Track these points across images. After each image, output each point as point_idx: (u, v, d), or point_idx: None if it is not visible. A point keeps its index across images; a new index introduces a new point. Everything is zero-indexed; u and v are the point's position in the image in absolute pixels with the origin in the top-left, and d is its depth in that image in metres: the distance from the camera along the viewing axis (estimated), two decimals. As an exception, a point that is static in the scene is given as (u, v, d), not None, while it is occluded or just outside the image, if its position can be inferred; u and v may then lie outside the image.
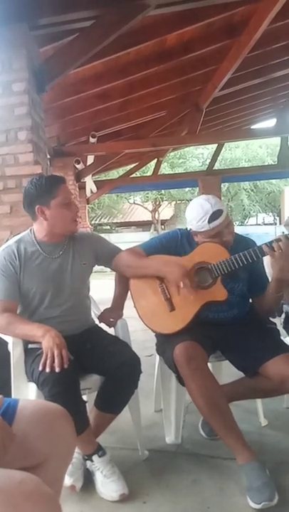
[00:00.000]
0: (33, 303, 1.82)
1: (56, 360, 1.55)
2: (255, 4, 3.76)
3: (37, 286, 1.80)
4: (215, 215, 1.80)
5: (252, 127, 9.07)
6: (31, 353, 1.70)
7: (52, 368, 1.55)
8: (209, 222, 1.80)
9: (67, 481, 1.68)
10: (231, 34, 4.35)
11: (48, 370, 1.55)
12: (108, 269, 2.03)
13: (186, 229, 1.98)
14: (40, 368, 1.56)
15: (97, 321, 2.03)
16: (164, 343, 1.85)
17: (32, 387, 1.67)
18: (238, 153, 17.81)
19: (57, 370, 1.54)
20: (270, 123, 9.22)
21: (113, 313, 2.00)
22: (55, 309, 1.82)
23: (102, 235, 2.20)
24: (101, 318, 2.01)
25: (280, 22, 4.18)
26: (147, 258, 1.90)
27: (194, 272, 1.85)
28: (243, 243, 1.95)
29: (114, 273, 2.08)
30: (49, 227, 1.80)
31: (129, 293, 2.01)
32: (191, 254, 1.89)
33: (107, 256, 1.98)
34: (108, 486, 1.66)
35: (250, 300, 2.01)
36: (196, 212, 1.84)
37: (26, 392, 1.69)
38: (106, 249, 1.99)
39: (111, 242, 2.08)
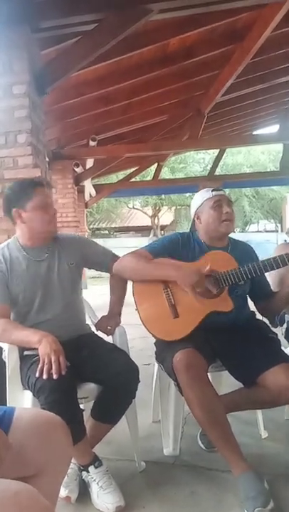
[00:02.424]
0: (24, 308, 1.80)
1: (53, 367, 1.53)
2: (259, 10, 3.77)
3: (25, 291, 1.79)
4: (217, 189, 1.97)
5: (254, 133, 9.08)
6: (27, 360, 1.68)
7: (49, 374, 1.52)
8: (212, 191, 1.94)
9: (62, 492, 1.65)
10: (234, 39, 4.36)
11: (45, 376, 1.52)
12: (104, 275, 2.01)
13: (187, 232, 2.00)
14: (37, 375, 1.54)
15: (94, 329, 1.99)
16: (164, 350, 1.82)
17: (28, 395, 1.64)
18: (239, 158, 17.85)
19: (54, 376, 1.51)
20: (272, 129, 9.23)
21: (110, 321, 1.96)
22: (47, 313, 1.81)
23: (100, 240, 2.19)
24: (98, 326, 1.97)
25: (283, 28, 4.20)
26: (156, 262, 1.87)
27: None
28: (240, 245, 1.99)
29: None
30: (29, 230, 1.81)
31: (128, 298, 1.98)
32: (198, 261, 1.86)
33: (99, 259, 1.97)
34: (104, 497, 1.62)
35: (251, 305, 2.00)
36: (201, 192, 1.99)
37: (22, 400, 1.66)
38: (95, 251, 1.98)
39: (109, 247, 2.07)
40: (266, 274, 1.95)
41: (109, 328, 1.95)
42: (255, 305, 2.01)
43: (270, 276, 2.02)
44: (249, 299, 2.01)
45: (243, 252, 1.96)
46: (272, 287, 1.99)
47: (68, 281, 1.86)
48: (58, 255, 1.87)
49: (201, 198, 1.96)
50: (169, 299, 1.83)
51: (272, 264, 1.76)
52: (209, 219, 1.91)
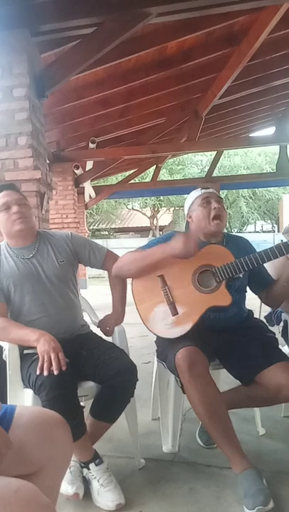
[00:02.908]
0: (16, 306, 1.84)
1: (54, 364, 1.55)
2: (256, 14, 3.81)
3: (15, 289, 1.83)
4: (206, 187, 2.03)
5: (251, 135, 9.12)
6: (27, 358, 1.69)
7: (49, 371, 1.54)
8: (201, 189, 1.99)
9: (70, 489, 1.66)
10: (231, 43, 4.40)
11: (45, 373, 1.54)
12: (105, 275, 2.02)
13: (182, 231, 2.01)
14: (38, 372, 1.55)
15: (93, 328, 2.01)
16: (166, 348, 1.83)
17: (28, 393, 1.66)
18: (236, 160, 17.90)
19: (55, 372, 1.53)
20: (269, 131, 9.27)
21: (108, 322, 1.99)
22: (37, 308, 1.83)
23: (101, 241, 2.22)
24: (99, 325, 2.01)
25: (279, 32, 4.24)
26: (149, 248, 1.90)
27: (198, 274, 1.83)
28: (235, 240, 2.02)
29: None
30: (3, 232, 1.89)
31: (127, 297, 2.00)
32: (194, 256, 1.87)
33: (93, 256, 1.99)
34: (104, 495, 1.64)
35: (248, 305, 2.01)
36: (191, 192, 2.05)
37: (22, 398, 1.67)
38: (88, 249, 2.00)
39: (109, 247, 2.09)
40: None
41: (107, 328, 1.98)
42: (258, 295, 2.03)
43: (269, 268, 2.04)
44: (251, 292, 2.02)
45: (239, 246, 1.97)
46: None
47: (58, 279, 1.88)
48: (46, 252, 1.90)
49: (191, 197, 2.02)
50: (167, 296, 1.85)
51: (269, 254, 1.77)
52: (200, 216, 1.94)
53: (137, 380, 1.73)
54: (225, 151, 13.07)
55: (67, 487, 1.66)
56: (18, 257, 1.87)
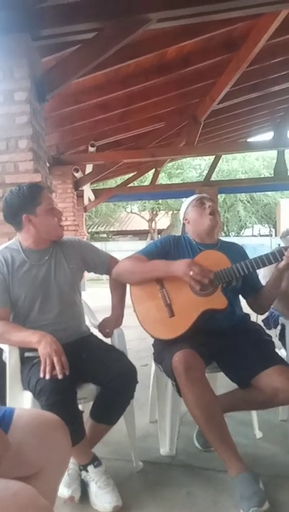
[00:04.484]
0: (23, 310, 1.81)
1: (57, 368, 1.54)
2: (255, 20, 3.83)
3: (26, 294, 1.80)
4: (200, 193, 2.22)
5: (249, 140, 9.16)
6: (28, 361, 1.70)
7: (51, 375, 1.54)
8: (196, 193, 2.13)
9: (66, 492, 1.67)
10: (230, 48, 4.43)
11: (47, 377, 1.53)
12: (103, 277, 2.04)
13: (178, 235, 2.08)
14: (41, 375, 1.55)
15: (93, 330, 2.02)
16: (163, 351, 1.85)
17: (27, 396, 1.66)
18: (235, 165, 17.97)
19: (60, 377, 1.53)
20: (267, 136, 9.33)
21: (108, 324, 1.99)
22: (46, 316, 1.82)
23: (99, 243, 2.24)
24: (99, 328, 2.01)
25: (278, 38, 4.26)
26: (151, 262, 1.92)
27: None
28: (230, 245, 2.08)
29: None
30: (36, 233, 1.83)
31: (126, 300, 2.01)
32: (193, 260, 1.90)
33: (98, 262, 2.00)
34: (102, 497, 1.64)
35: (245, 308, 2.04)
36: (186, 200, 2.16)
37: (22, 401, 1.68)
38: (95, 255, 2.01)
39: (107, 250, 2.10)
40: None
41: (107, 331, 1.98)
42: (246, 300, 2.06)
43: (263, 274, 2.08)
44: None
45: (233, 251, 2.02)
46: (263, 283, 2.04)
47: (68, 285, 1.88)
48: (58, 259, 1.89)
49: (186, 202, 2.13)
50: (164, 298, 1.87)
51: (265, 260, 1.81)
52: (195, 215, 2.03)
53: (137, 382, 1.74)
54: (223, 156, 13.10)
55: (64, 490, 1.67)
56: (32, 263, 1.83)
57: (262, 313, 2.15)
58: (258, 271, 1.95)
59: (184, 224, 2.12)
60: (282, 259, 1.80)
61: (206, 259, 1.86)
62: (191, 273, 1.75)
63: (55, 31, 2.90)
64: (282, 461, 1.93)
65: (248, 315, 2.05)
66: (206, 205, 2.03)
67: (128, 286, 2.00)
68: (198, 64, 4.58)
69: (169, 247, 1.99)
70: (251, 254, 2.10)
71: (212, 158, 9.87)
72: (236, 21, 3.82)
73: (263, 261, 1.81)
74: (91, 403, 1.77)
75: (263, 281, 2.02)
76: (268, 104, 6.51)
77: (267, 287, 1.94)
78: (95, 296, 3.60)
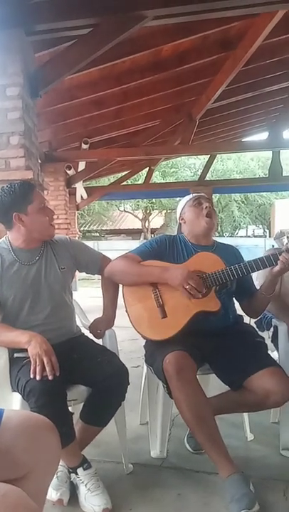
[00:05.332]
0: (13, 311, 1.78)
1: (47, 368, 1.52)
2: (251, 19, 3.83)
3: (15, 294, 1.77)
4: (198, 192, 2.17)
5: (244, 140, 9.18)
6: (17, 362, 1.67)
7: (42, 376, 1.51)
8: (192, 194, 2.10)
9: (54, 495, 1.65)
10: (227, 47, 4.43)
11: (38, 377, 1.51)
12: (95, 277, 2.01)
13: (174, 235, 2.06)
14: (32, 376, 1.52)
15: (84, 330, 2.00)
16: (154, 352, 1.83)
17: (16, 397, 1.63)
18: (229, 164, 18.00)
19: (50, 378, 1.51)
20: (262, 136, 9.35)
21: (101, 324, 1.97)
22: (37, 316, 1.79)
23: (91, 242, 2.21)
24: (90, 328, 1.98)
25: (274, 38, 4.27)
26: (145, 265, 1.90)
27: None
28: (225, 247, 2.06)
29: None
30: (27, 233, 1.79)
31: (118, 300, 1.99)
32: (186, 262, 1.89)
33: (90, 262, 1.97)
34: (91, 500, 1.62)
35: (239, 310, 2.03)
36: (183, 198, 2.14)
37: (10, 402, 1.65)
38: (87, 255, 1.98)
39: (100, 249, 2.07)
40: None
41: (98, 331, 1.96)
42: (240, 303, 2.05)
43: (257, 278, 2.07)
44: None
45: (228, 253, 2.01)
46: (257, 286, 2.03)
47: (58, 285, 1.85)
48: (49, 259, 1.86)
49: (183, 201, 2.11)
50: (157, 299, 1.85)
51: (259, 264, 1.80)
52: (192, 215, 2.01)
53: (129, 383, 1.72)
54: (218, 155, 13.13)
55: (52, 492, 1.65)
56: (22, 262, 1.80)
57: (255, 317, 2.15)
58: (252, 274, 1.95)
59: (180, 223, 2.09)
60: (276, 264, 1.79)
61: (201, 261, 1.85)
62: (188, 287, 1.74)
63: (50, 26, 2.88)
64: (273, 463, 1.93)
65: (241, 316, 2.05)
66: (204, 205, 2.01)
67: (120, 286, 1.97)
68: (194, 62, 4.59)
69: (164, 248, 1.97)
70: (245, 255, 2.10)
71: (207, 157, 9.89)
72: (233, 20, 3.82)
73: (258, 264, 1.80)
74: (81, 405, 1.75)
75: (257, 285, 2.01)
76: (263, 104, 6.54)
77: (261, 291, 1.93)
78: (86, 296, 3.59)
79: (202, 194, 2.11)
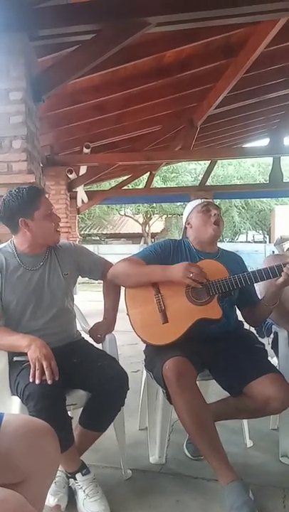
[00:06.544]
0: (15, 315, 1.78)
1: (46, 373, 1.52)
2: (253, 27, 3.86)
3: (18, 299, 1.76)
4: (205, 198, 2.12)
5: (245, 146, 9.21)
6: (16, 366, 1.66)
7: (41, 380, 1.51)
8: (201, 199, 2.08)
9: (52, 500, 1.64)
10: (228, 54, 4.46)
11: (37, 382, 1.51)
12: (94, 281, 2.01)
13: (178, 239, 2.05)
14: (31, 380, 1.52)
15: (84, 335, 1.99)
16: (154, 357, 1.82)
17: (16, 401, 1.63)
18: (230, 170, 18.04)
19: (49, 382, 1.51)
20: (262, 142, 9.38)
21: (101, 329, 1.97)
22: (38, 321, 1.79)
23: (92, 246, 2.20)
24: (90, 333, 1.98)
25: (275, 45, 4.29)
26: (149, 266, 1.90)
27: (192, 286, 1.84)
28: (229, 255, 2.06)
29: (100, 284, 2.06)
30: (32, 238, 1.79)
31: (121, 303, 1.99)
32: None
33: (93, 267, 1.97)
34: (90, 505, 1.61)
35: (239, 315, 2.03)
36: (191, 202, 2.12)
37: (10, 407, 1.64)
38: (90, 260, 1.98)
39: (100, 253, 2.07)
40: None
41: (99, 336, 1.95)
42: (241, 311, 2.05)
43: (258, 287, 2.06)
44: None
45: (232, 261, 2.01)
46: (259, 296, 2.03)
47: (61, 292, 1.85)
48: (53, 265, 1.85)
49: (191, 206, 2.08)
50: (159, 304, 1.85)
51: (263, 274, 1.80)
52: (199, 222, 1.99)
53: (128, 388, 1.72)
54: (219, 161, 13.15)
55: (50, 498, 1.64)
56: (26, 267, 1.79)
57: (255, 326, 2.13)
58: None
59: (185, 227, 2.09)
60: (280, 275, 1.78)
61: (205, 269, 1.84)
62: (191, 275, 1.74)
63: (54, 31, 2.90)
64: (272, 470, 1.92)
65: (241, 322, 2.04)
66: (212, 212, 1.99)
67: (123, 289, 1.97)
68: (196, 68, 4.61)
69: (168, 253, 1.96)
70: (245, 260, 2.11)
71: (207, 162, 9.91)
72: (235, 27, 3.84)
73: (262, 275, 1.80)
74: (80, 409, 1.75)
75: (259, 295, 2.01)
76: (264, 111, 6.57)
77: (263, 302, 1.92)
78: (85, 300, 3.57)
79: (210, 201, 2.09)
